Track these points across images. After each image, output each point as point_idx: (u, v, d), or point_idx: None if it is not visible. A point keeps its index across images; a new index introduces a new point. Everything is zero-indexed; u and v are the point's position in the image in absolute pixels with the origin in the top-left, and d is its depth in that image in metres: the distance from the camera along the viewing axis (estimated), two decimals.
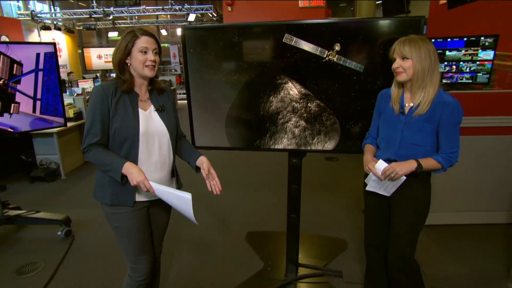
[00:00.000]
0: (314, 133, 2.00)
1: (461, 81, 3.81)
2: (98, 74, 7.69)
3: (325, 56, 1.85)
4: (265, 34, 1.89)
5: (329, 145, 2.01)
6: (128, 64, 1.44)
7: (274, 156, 4.94)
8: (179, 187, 1.67)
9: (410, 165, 1.47)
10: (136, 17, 12.44)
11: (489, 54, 3.66)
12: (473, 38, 3.61)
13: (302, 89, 1.94)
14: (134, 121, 1.43)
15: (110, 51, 10.43)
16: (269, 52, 1.90)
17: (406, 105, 1.55)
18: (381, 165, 1.53)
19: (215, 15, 11.19)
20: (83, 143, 1.41)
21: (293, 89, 1.95)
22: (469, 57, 3.67)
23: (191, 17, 9.55)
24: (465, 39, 3.61)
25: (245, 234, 2.94)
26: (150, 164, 1.49)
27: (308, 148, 2.04)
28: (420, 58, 1.44)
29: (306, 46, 1.85)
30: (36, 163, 4.39)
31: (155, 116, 1.51)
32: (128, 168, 1.36)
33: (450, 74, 3.85)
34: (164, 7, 9.47)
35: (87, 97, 5.45)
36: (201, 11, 10.15)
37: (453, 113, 1.44)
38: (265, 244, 2.81)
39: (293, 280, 2.30)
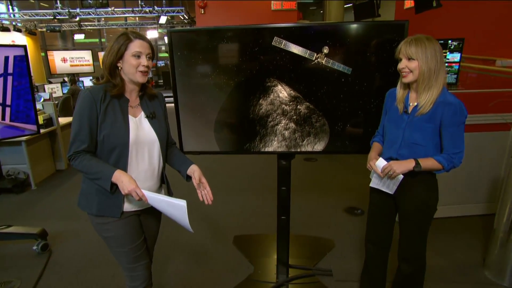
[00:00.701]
0: (304, 135, 2.02)
1: None
2: (66, 78, 7.32)
3: (314, 59, 1.87)
4: (254, 37, 1.88)
5: (319, 146, 2.04)
6: (120, 68, 1.38)
7: (256, 158, 4.95)
8: (170, 195, 1.62)
9: (408, 164, 1.50)
10: (103, 19, 12.02)
11: (456, 56, 3.88)
12: (441, 41, 3.82)
13: (291, 91, 1.95)
14: (124, 128, 1.37)
15: (76, 54, 9.96)
16: (259, 55, 1.90)
17: (410, 104, 1.56)
18: (380, 162, 1.57)
19: (187, 17, 11.04)
20: (69, 150, 1.34)
21: (282, 92, 1.96)
22: None
23: (162, 20, 9.36)
24: None
25: (232, 238, 2.91)
26: (139, 173, 1.44)
27: (298, 150, 2.05)
28: (426, 59, 1.44)
29: (295, 49, 1.87)
30: (1, 173, 4.10)
31: (145, 123, 1.46)
32: (119, 177, 1.30)
33: None
34: (134, 9, 9.20)
35: (56, 102, 5.19)
36: (172, 14, 9.98)
37: (455, 113, 1.44)
38: (253, 247, 2.80)
39: (285, 281, 2.31)
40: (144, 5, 9.23)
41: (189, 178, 1.56)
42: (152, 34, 12.18)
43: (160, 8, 9.70)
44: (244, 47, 1.90)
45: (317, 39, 1.84)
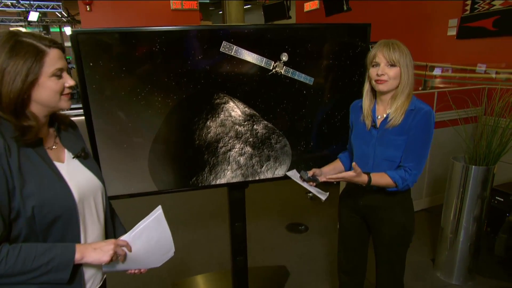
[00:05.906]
0: (262, 159, 1.68)
1: None
2: None
3: (271, 68, 1.55)
4: (196, 42, 1.45)
5: (280, 171, 1.73)
6: (30, 100, 0.86)
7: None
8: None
9: (362, 180, 1.31)
10: None
11: None
12: None
13: (246, 109, 1.59)
14: (60, 186, 0.89)
15: None
16: (204, 64, 1.47)
17: (378, 117, 1.38)
18: (290, 173, 1.52)
19: (66, 15, 9.42)
20: None
21: (235, 110, 1.57)
22: None
23: (33, 16, 7.67)
24: None
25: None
26: (90, 237, 0.98)
27: (257, 177, 1.71)
28: (407, 66, 1.28)
29: (249, 56, 1.51)
30: None
31: (79, 167, 0.98)
32: (84, 250, 0.87)
33: None
34: None
35: None
36: (45, 9, 8.35)
37: (422, 120, 1.30)
38: None
39: None
40: None
41: None
42: None
43: (28, 2, 8.00)
44: (184, 55, 1.44)
45: (275, 44, 1.52)
